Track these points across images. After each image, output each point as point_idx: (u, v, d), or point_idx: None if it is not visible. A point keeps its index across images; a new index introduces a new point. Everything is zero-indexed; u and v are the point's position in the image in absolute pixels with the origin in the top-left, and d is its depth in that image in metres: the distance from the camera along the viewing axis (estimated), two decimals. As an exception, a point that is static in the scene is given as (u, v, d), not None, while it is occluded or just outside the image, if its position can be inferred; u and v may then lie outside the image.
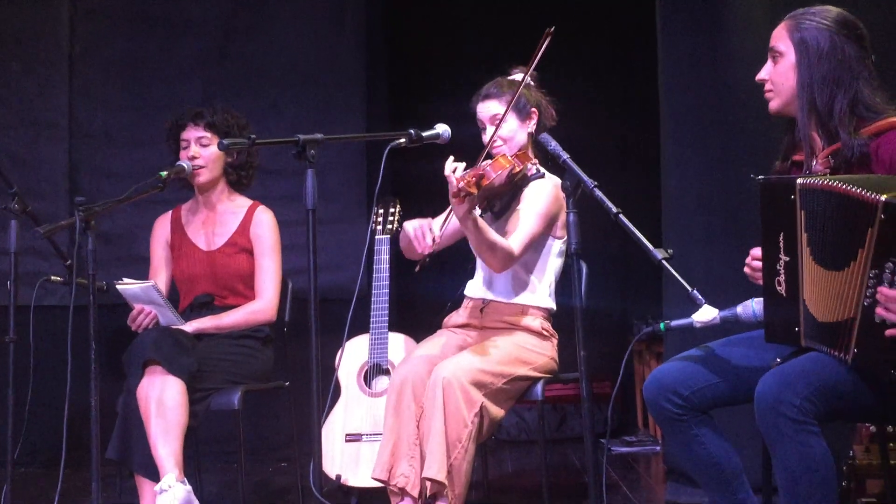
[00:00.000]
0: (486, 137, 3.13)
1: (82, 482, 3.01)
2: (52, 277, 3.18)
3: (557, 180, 3.15)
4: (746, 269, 2.48)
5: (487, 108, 3.15)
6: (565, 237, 3.19)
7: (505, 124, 3.10)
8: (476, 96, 3.19)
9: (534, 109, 3.16)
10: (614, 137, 5.49)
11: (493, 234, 2.98)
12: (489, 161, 2.96)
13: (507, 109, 3.06)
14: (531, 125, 3.16)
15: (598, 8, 5.31)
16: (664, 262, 2.44)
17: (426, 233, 3.03)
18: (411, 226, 3.06)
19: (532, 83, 3.19)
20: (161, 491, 3.03)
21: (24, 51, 4.94)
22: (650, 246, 2.46)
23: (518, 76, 3.16)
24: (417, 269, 3.09)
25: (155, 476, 3.07)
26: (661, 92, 3.81)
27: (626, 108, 5.44)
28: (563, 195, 3.00)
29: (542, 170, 3.17)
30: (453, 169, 2.81)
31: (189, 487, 3.07)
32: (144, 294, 3.34)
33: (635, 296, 5.26)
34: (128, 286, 3.31)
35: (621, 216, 2.51)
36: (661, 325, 2.49)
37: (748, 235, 2.56)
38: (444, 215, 3.16)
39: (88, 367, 2.89)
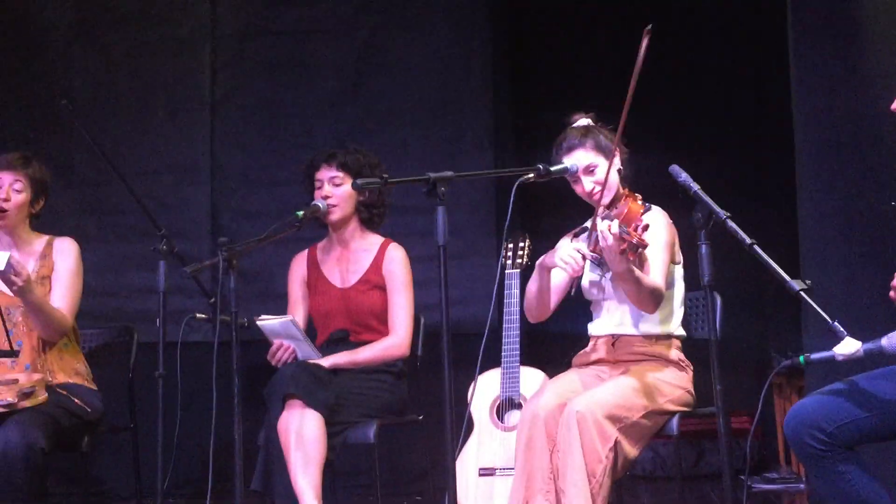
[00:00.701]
0: (583, 188, 3.09)
1: (226, 512, 3.11)
2: (198, 315, 3.31)
3: (659, 208, 3.13)
4: (892, 294, 2.38)
5: (577, 160, 3.09)
6: (681, 262, 3.16)
7: (598, 169, 3.08)
8: (557, 151, 3.13)
9: (615, 147, 3.09)
10: (746, 167, 5.37)
11: (646, 278, 2.96)
12: (624, 212, 2.91)
13: (609, 159, 3.03)
14: (617, 163, 3.13)
15: (729, 34, 5.24)
16: (802, 293, 2.38)
17: (577, 258, 2.96)
18: (556, 257, 3.02)
19: (595, 124, 3.18)
20: (300, 521, 3.11)
21: (168, 99, 5.20)
22: (787, 277, 2.40)
23: (583, 121, 3.17)
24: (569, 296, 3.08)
25: (295, 508, 3.16)
26: (795, 118, 3.72)
27: (757, 136, 5.32)
28: (670, 220, 2.97)
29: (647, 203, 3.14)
30: (608, 226, 2.78)
31: (327, 519, 3.14)
32: (283, 329, 3.45)
33: (773, 328, 5.12)
34: (267, 322, 3.43)
35: (756, 247, 2.46)
36: (801, 359, 2.42)
37: (892, 264, 2.47)
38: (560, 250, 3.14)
39: (232, 400, 3.01)
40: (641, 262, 3.05)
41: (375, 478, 3.34)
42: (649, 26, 2.60)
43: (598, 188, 3.07)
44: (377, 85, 5.16)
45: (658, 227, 3.09)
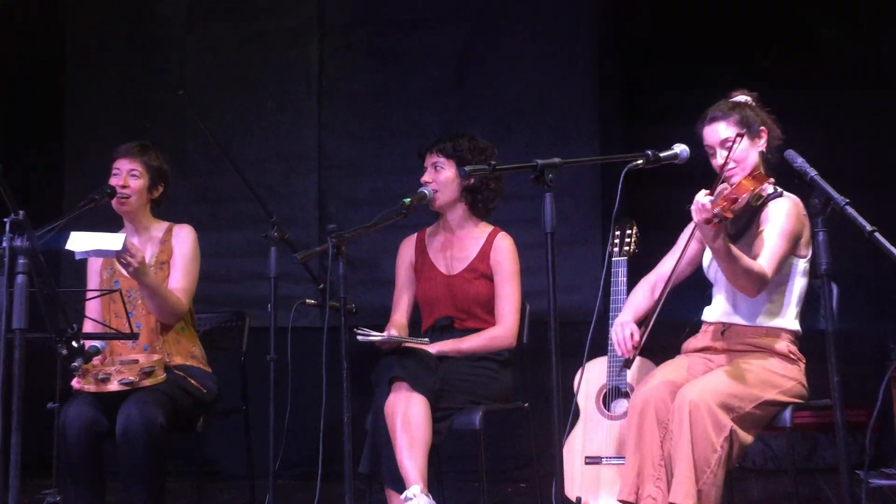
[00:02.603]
0: (717, 161, 3.07)
1: (336, 494, 3.17)
2: (307, 301, 3.38)
3: (796, 198, 3.05)
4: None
5: (716, 132, 3.09)
6: (808, 256, 3.07)
7: (736, 146, 3.02)
8: (701, 120, 3.14)
9: (763, 128, 3.08)
10: (864, 153, 5.18)
11: (746, 259, 2.91)
12: (732, 184, 2.90)
13: (739, 132, 3.00)
14: (761, 144, 3.08)
15: (845, 15, 5.06)
16: (925, 282, 2.29)
17: (627, 339, 3.09)
18: (613, 333, 3.15)
19: (754, 103, 3.12)
20: (407, 499, 3.15)
21: (277, 89, 5.31)
22: (909, 265, 2.32)
23: (741, 98, 3.12)
24: (624, 366, 3.15)
25: (402, 488, 3.20)
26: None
27: (875, 121, 5.13)
28: (804, 212, 2.89)
29: (779, 189, 3.07)
30: (704, 195, 2.77)
31: (433, 501, 3.17)
32: (383, 343, 3.43)
33: (892, 319, 4.94)
34: (366, 338, 3.34)
35: (876, 234, 2.38)
36: (923, 350, 2.33)
37: None
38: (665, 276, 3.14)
39: (341, 385, 3.06)
40: (747, 243, 3.00)
41: (481, 463, 3.35)
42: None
43: (731, 164, 3.03)
44: (482, 73, 5.17)
45: (779, 213, 3.02)
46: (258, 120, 5.31)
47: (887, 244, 2.35)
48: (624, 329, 3.14)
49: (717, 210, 2.73)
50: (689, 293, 3.29)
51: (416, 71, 5.22)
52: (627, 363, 3.15)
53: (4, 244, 2.76)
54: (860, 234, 2.40)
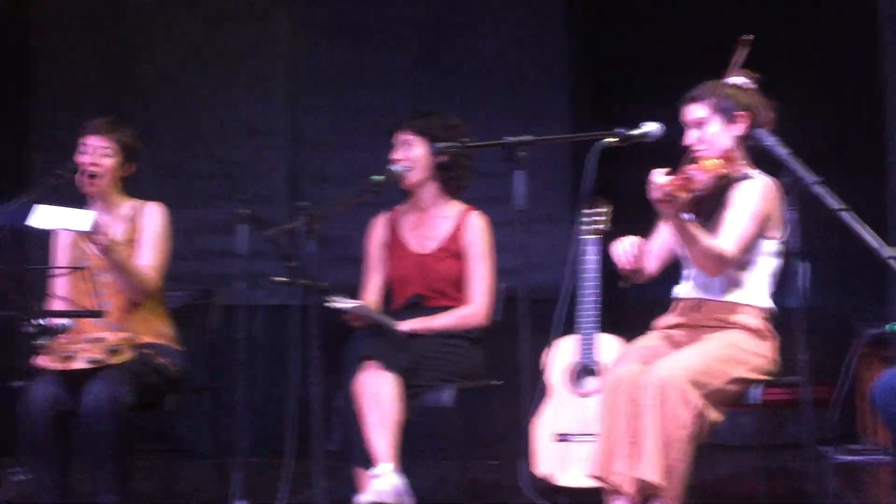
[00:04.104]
0: (687, 140, 3.08)
1: (307, 473, 3.17)
2: (277, 278, 3.36)
3: (769, 180, 3.05)
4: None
5: (691, 111, 3.10)
6: (781, 237, 3.08)
7: (707, 127, 3.03)
8: (684, 98, 3.14)
9: (742, 112, 3.06)
10: (834, 138, 5.21)
11: (705, 238, 2.92)
12: (695, 164, 2.90)
13: (710, 113, 3.00)
14: (737, 129, 3.07)
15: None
16: (892, 260, 2.31)
17: (628, 250, 2.99)
18: (612, 248, 3.05)
19: (752, 85, 3.11)
20: (375, 477, 3.15)
21: (247, 65, 5.26)
22: (876, 243, 2.34)
23: (737, 79, 3.10)
24: (622, 284, 3.07)
25: (372, 467, 3.20)
26: (889, 86, 3.59)
27: (845, 106, 5.15)
28: (775, 194, 2.89)
29: (752, 172, 3.08)
30: (660, 175, 2.78)
31: (403, 479, 3.17)
32: (355, 312, 3.43)
33: (858, 297, 4.98)
34: (338, 304, 3.34)
35: (844, 213, 2.39)
36: (888, 327, 2.36)
37: None
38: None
39: (311, 363, 3.05)
40: (716, 223, 3.00)
41: (453, 441, 3.36)
42: (750, 37, 2.55)
43: (700, 146, 3.04)
44: (454, 50, 5.14)
45: (748, 193, 3.03)
46: (228, 96, 5.26)
47: (855, 223, 2.37)
48: (623, 241, 3.02)
49: (668, 189, 2.73)
50: (662, 272, 3.29)
51: (388, 48, 5.18)
52: (627, 279, 3.04)
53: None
54: (829, 215, 2.41)
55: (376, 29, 5.22)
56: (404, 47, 5.17)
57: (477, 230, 3.59)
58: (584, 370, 3.42)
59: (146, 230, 3.58)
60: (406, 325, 3.48)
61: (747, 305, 3.08)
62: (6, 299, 2.85)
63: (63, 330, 3.17)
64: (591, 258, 3.42)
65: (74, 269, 3.48)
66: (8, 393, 3.15)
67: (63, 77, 5.31)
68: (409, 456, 3.66)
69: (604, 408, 2.97)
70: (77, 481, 3.40)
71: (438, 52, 5.15)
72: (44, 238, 3.45)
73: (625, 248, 3.00)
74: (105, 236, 3.31)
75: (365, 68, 5.19)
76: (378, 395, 3.23)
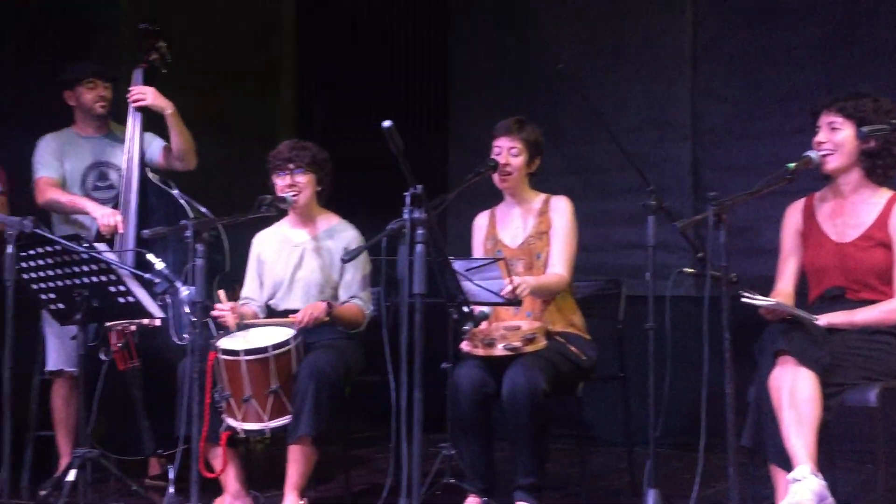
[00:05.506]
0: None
1: (717, 466, 3.11)
2: (686, 269, 3.33)
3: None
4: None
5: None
6: None
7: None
8: None
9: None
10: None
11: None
12: None
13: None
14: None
15: None
16: None
17: None
18: None
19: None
20: (794, 480, 3.01)
21: (650, 55, 5.26)
22: None
23: None
24: None
25: (788, 466, 3.07)
26: None
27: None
28: None
29: None
30: None
31: (824, 482, 3.01)
32: (771, 308, 3.28)
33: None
34: (754, 301, 3.21)
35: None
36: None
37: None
38: None
39: (722, 355, 2.99)
40: None
41: (879, 444, 3.13)
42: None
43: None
44: (874, 25, 4.74)
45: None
46: (631, 88, 5.30)
47: None
48: None
49: None
50: None
51: (798, 27, 4.91)
52: None
53: (406, 216, 3.00)
54: None
55: (785, 7, 4.97)
56: (817, 25, 4.87)
57: (905, 218, 3.30)
58: None
59: (555, 224, 3.73)
60: (824, 319, 3.29)
61: None
62: (439, 288, 3.11)
63: (484, 317, 3.39)
64: None
65: (492, 260, 3.70)
66: (440, 375, 3.44)
67: (476, 77, 5.68)
68: (829, 456, 3.47)
69: None
70: (499, 459, 3.63)
71: (857, 27, 4.78)
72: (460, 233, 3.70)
73: None
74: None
75: (772, 51, 4.97)
76: (794, 392, 3.09)
